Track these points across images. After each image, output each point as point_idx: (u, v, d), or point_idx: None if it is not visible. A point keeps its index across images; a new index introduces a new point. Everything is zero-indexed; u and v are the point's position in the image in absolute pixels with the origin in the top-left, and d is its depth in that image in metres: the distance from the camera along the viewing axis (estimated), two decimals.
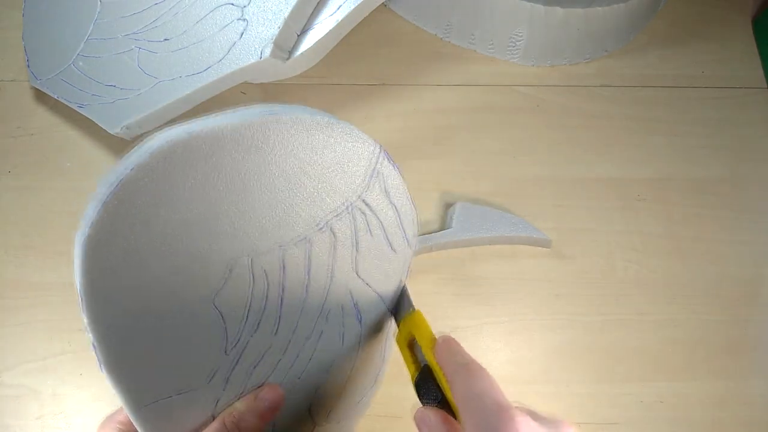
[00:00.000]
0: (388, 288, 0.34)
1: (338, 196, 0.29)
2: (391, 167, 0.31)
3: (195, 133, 0.25)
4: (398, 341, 0.33)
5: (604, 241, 0.45)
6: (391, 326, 0.36)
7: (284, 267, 0.29)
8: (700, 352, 0.43)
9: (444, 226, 0.45)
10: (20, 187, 0.46)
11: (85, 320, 0.25)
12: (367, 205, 0.31)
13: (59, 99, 0.44)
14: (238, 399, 0.30)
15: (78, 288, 0.24)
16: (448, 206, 0.46)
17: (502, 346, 0.43)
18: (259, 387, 0.31)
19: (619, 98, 0.50)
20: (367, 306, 0.33)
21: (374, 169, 0.30)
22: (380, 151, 0.30)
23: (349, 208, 0.30)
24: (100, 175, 0.47)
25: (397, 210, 0.32)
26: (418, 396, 0.29)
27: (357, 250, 0.31)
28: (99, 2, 0.45)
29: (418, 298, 0.43)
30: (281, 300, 0.30)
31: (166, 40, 0.42)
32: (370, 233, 0.31)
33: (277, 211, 0.28)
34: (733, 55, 0.52)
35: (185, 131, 0.25)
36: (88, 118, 0.43)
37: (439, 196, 0.46)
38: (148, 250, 0.25)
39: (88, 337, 0.25)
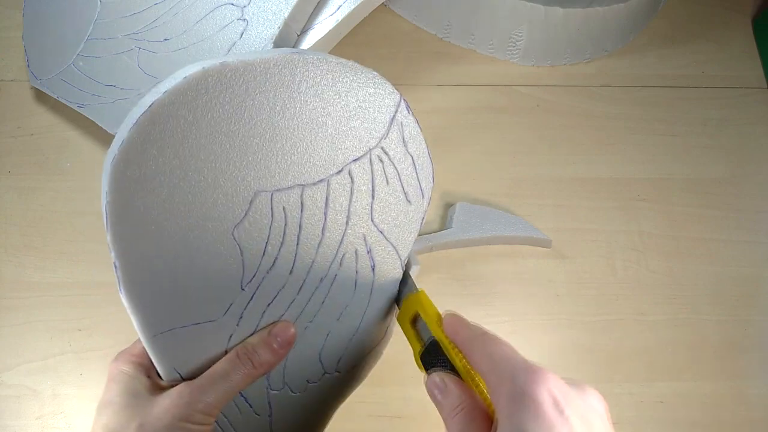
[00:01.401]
0: (402, 239, 0.34)
1: (358, 141, 0.30)
2: (410, 117, 0.32)
3: (228, 64, 0.26)
4: (400, 320, 0.33)
5: (604, 241, 0.45)
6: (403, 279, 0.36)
7: (302, 206, 0.30)
8: (700, 352, 0.43)
9: (444, 226, 0.45)
10: (20, 187, 0.46)
11: (109, 238, 0.26)
12: (385, 152, 0.31)
13: (59, 99, 0.44)
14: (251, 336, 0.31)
15: (103, 205, 0.25)
16: (448, 206, 0.46)
17: None
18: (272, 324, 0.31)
19: (619, 98, 0.50)
20: (380, 255, 0.33)
21: (394, 117, 0.31)
22: (401, 100, 0.31)
23: (368, 154, 0.31)
24: (100, 175, 0.47)
25: (413, 160, 0.33)
26: (425, 369, 0.30)
27: (373, 197, 0.32)
28: (99, 2, 0.45)
29: None
30: (298, 239, 0.30)
31: (166, 40, 0.42)
32: (387, 181, 0.32)
33: (299, 149, 0.29)
34: (733, 55, 0.52)
35: (219, 62, 0.26)
36: (88, 118, 0.43)
37: (439, 196, 0.46)
38: (174, 174, 0.26)
39: (110, 257, 0.26)
